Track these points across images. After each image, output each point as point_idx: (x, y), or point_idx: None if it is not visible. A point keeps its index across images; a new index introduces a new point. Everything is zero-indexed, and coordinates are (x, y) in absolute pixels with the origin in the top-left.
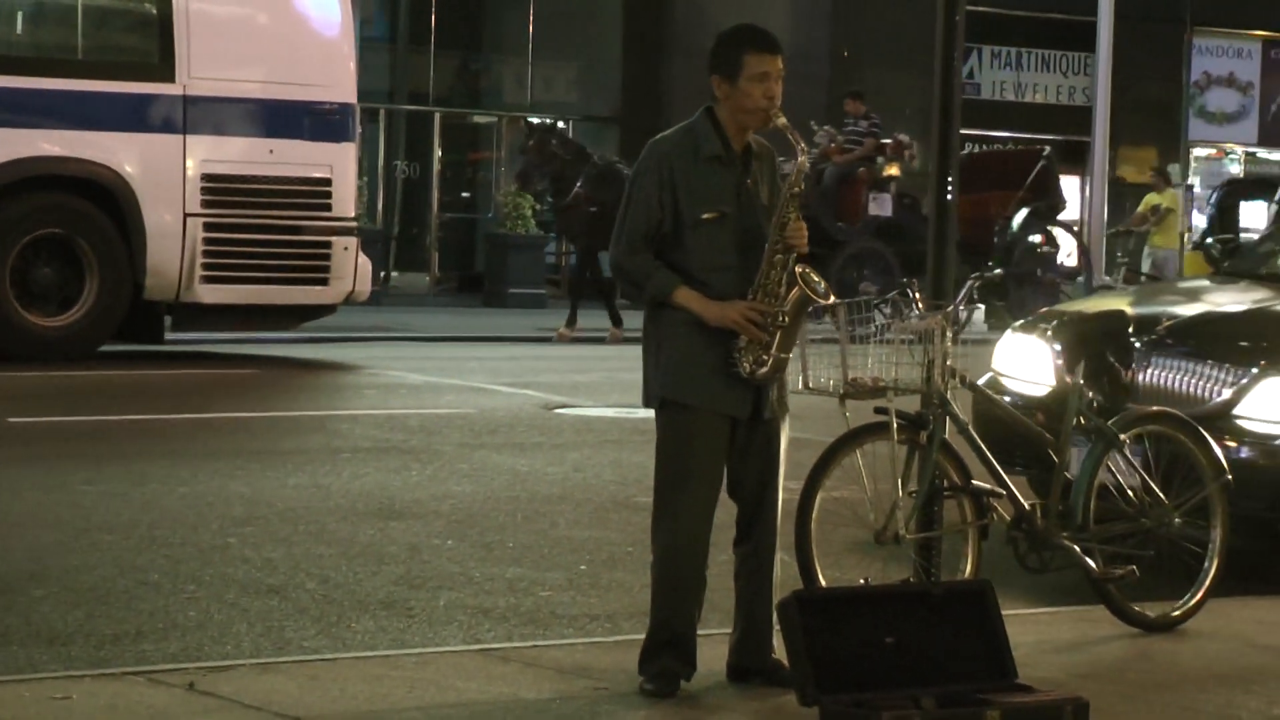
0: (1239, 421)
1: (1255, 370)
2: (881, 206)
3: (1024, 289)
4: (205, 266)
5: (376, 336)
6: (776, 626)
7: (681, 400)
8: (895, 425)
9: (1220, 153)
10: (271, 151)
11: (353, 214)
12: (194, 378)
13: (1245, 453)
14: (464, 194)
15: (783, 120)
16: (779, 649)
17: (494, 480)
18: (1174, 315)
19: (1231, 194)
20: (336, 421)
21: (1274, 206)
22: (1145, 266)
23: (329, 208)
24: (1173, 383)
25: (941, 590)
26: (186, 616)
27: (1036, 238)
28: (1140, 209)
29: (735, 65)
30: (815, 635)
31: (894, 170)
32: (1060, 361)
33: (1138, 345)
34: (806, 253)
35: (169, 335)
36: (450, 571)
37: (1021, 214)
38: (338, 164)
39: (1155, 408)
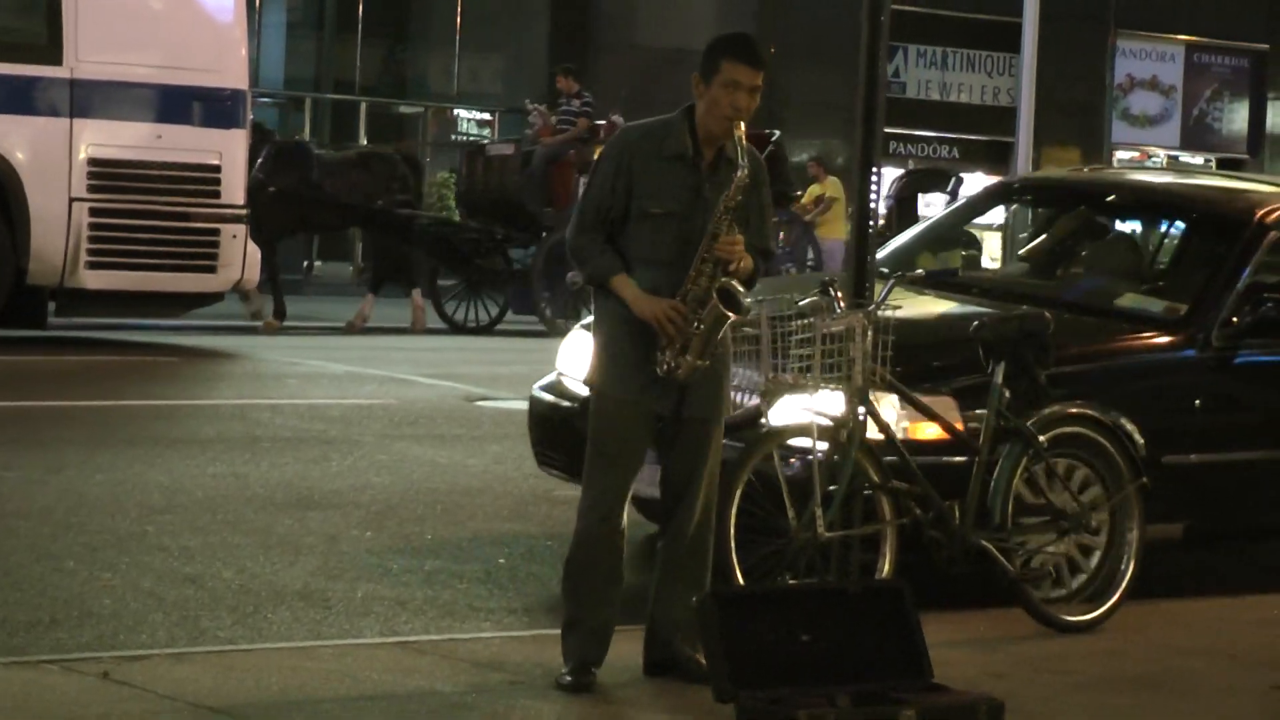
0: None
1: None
2: None
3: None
4: (90, 252)
5: (299, 326)
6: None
7: (605, 390)
8: (815, 424)
9: (1143, 155)
10: (160, 137)
11: (242, 201)
12: (103, 364)
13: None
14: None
15: (740, 132)
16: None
17: (414, 472)
18: None
19: (909, 185)
20: (256, 410)
21: (947, 198)
22: (809, 257)
23: (218, 195)
24: None
25: (858, 589)
26: (102, 605)
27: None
28: (804, 199)
29: (712, 69)
30: (732, 632)
31: None
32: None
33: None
34: (744, 266)
35: (51, 320)
36: (368, 563)
37: None
38: (227, 151)
39: (1075, 409)
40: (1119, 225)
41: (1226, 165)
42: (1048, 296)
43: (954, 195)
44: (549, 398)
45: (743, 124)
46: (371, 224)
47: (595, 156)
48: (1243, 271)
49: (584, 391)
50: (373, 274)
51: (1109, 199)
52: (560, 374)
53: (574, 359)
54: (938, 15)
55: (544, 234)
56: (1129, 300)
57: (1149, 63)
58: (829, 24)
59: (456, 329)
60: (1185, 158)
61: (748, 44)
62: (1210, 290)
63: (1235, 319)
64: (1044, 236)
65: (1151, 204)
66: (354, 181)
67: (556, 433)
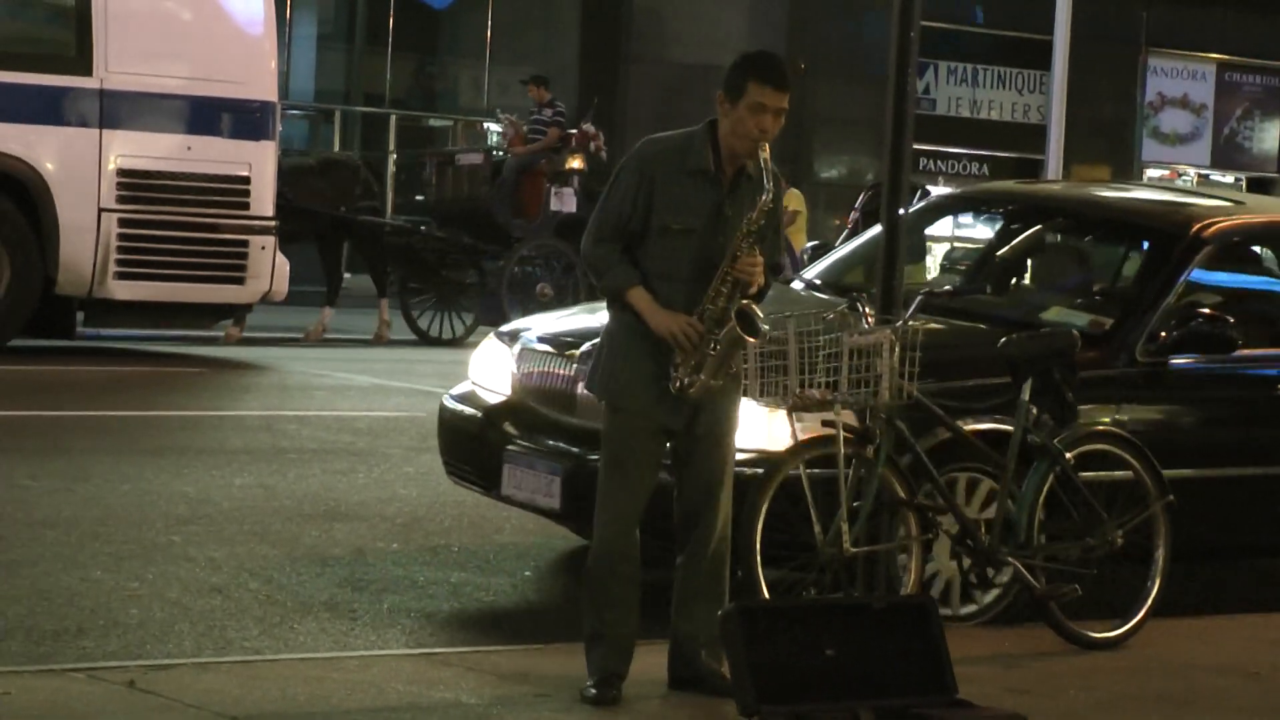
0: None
1: None
2: (564, 202)
3: None
4: (119, 263)
5: (327, 337)
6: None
7: (616, 404)
8: (842, 439)
9: (1173, 174)
10: (189, 148)
11: (271, 213)
12: (130, 375)
13: (663, 474)
14: (418, 197)
15: (765, 154)
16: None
17: (440, 484)
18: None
19: (874, 199)
20: (283, 422)
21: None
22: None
23: (247, 206)
24: (548, 385)
25: (883, 604)
26: (128, 614)
27: None
28: None
29: (738, 89)
30: (756, 646)
31: (577, 163)
32: (517, 372)
33: (576, 354)
34: (759, 286)
35: (80, 330)
36: (394, 575)
37: None
38: (257, 162)
39: (1102, 427)
40: (1063, 238)
41: (1257, 184)
42: (978, 311)
43: None
44: (461, 408)
45: (768, 146)
46: (334, 233)
47: (566, 166)
48: (1173, 285)
49: (494, 400)
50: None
51: (1052, 211)
52: (473, 384)
53: (486, 369)
54: (968, 32)
55: (514, 244)
56: (1054, 314)
57: (1180, 81)
58: (859, 40)
59: (427, 340)
60: (1216, 176)
61: (775, 65)
62: (1138, 304)
63: (1163, 334)
64: (985, 250)
65: (1093, 217)
66: (314, 189)
67: (467, 443)
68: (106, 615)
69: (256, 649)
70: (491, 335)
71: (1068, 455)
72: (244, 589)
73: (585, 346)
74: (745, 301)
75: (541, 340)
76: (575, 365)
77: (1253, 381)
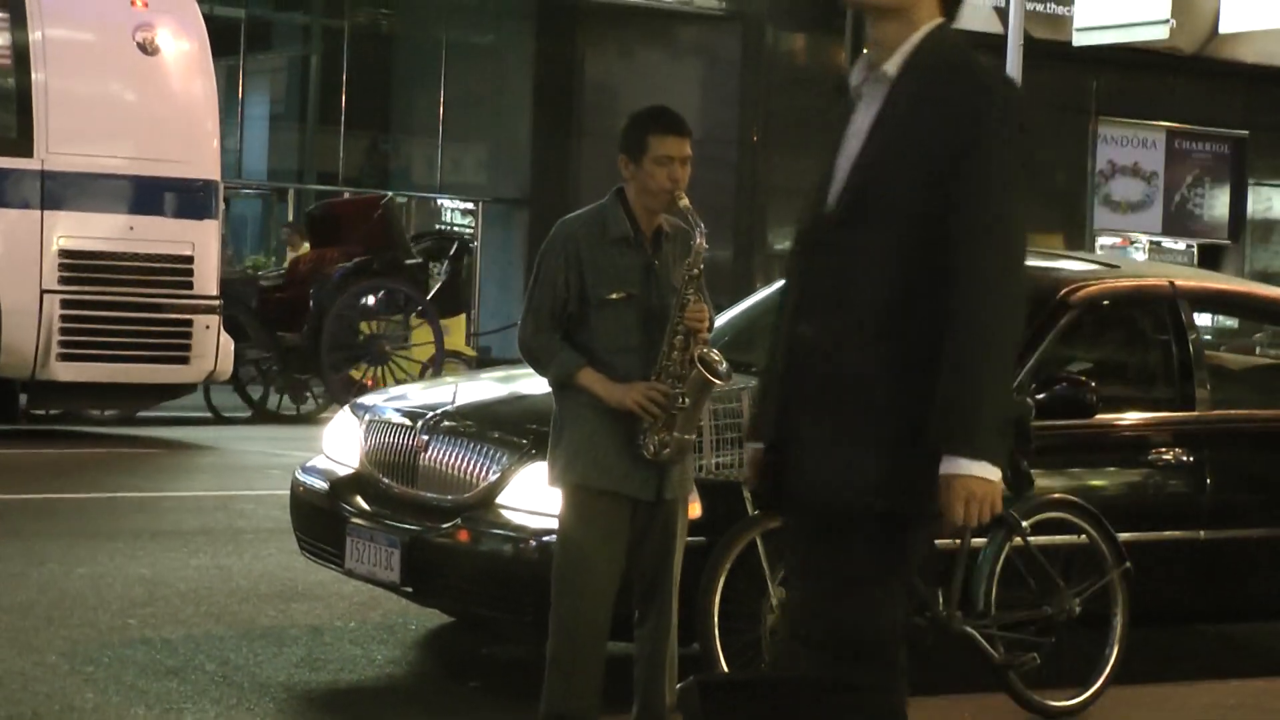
0: (502, 511)
1: (521, 454)
2: None
3: (339, 357)
4: (62, 344)
5: (285, 415)
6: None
7: (585, 484)
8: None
9: (1125, 241)
10: (132, 228)
11: (215, 292)
12: (81, 457)
13: (505, 546)
14: None
15: (685, 202)
16: None
17: None
18: (469, 395)
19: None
20: (240, 501)
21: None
22: None
23: (190, 285)
24: (452, 466)
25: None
26: (84, 698)
27: (370, 299)
28: None
29: (640, 146)
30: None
31: None
32: (365, 444)
33: (418, 426)
34: (708, 335)
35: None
36: (352, 654)
37: (340, 271)
38: (200, 241)
39: (1058, 495)
40: None
41: (1208, 250)
42: None
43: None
44: (311, 481)
45: (684, 195)
46: None
47: None
48: (1035, 349)
49: (342, 473)
50: None
51: None
52: (325, 456)
53: (337, 441)
54: None
55: None
56: None
57: (1130, 149)
58: (811, 111)
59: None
60: (1167, 243)
61: (670, 116)
62: None
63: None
64: None
65: None
66: None
67: (316, 518)
68: (62, 700)
69: None
70: (346, 407)
71: (1024, 524)
72: (200, 670)
73: (430, 416)
74: (704, 349)
75: (390, 411)
76: (419, 436)
77: (1113, 445)
